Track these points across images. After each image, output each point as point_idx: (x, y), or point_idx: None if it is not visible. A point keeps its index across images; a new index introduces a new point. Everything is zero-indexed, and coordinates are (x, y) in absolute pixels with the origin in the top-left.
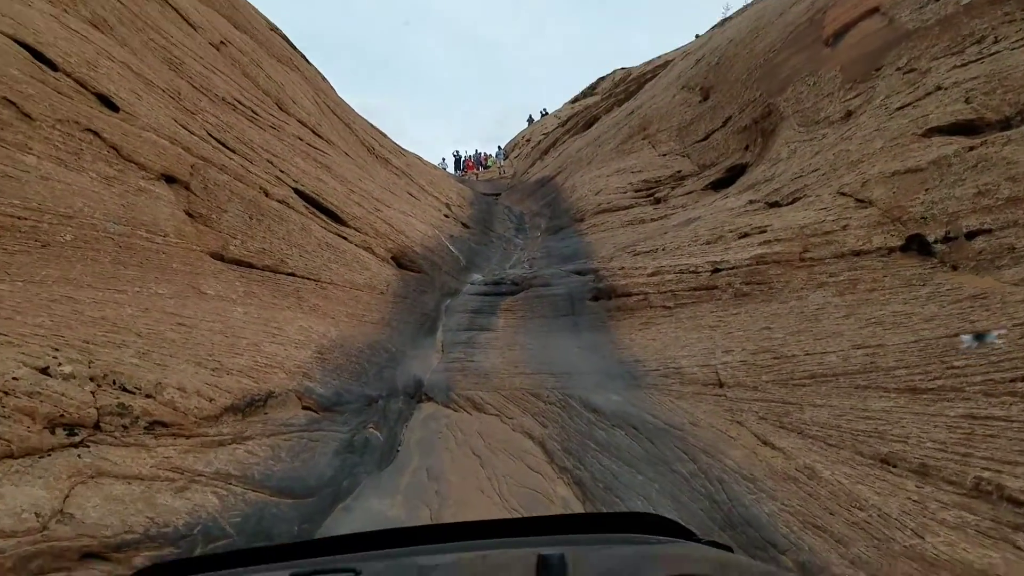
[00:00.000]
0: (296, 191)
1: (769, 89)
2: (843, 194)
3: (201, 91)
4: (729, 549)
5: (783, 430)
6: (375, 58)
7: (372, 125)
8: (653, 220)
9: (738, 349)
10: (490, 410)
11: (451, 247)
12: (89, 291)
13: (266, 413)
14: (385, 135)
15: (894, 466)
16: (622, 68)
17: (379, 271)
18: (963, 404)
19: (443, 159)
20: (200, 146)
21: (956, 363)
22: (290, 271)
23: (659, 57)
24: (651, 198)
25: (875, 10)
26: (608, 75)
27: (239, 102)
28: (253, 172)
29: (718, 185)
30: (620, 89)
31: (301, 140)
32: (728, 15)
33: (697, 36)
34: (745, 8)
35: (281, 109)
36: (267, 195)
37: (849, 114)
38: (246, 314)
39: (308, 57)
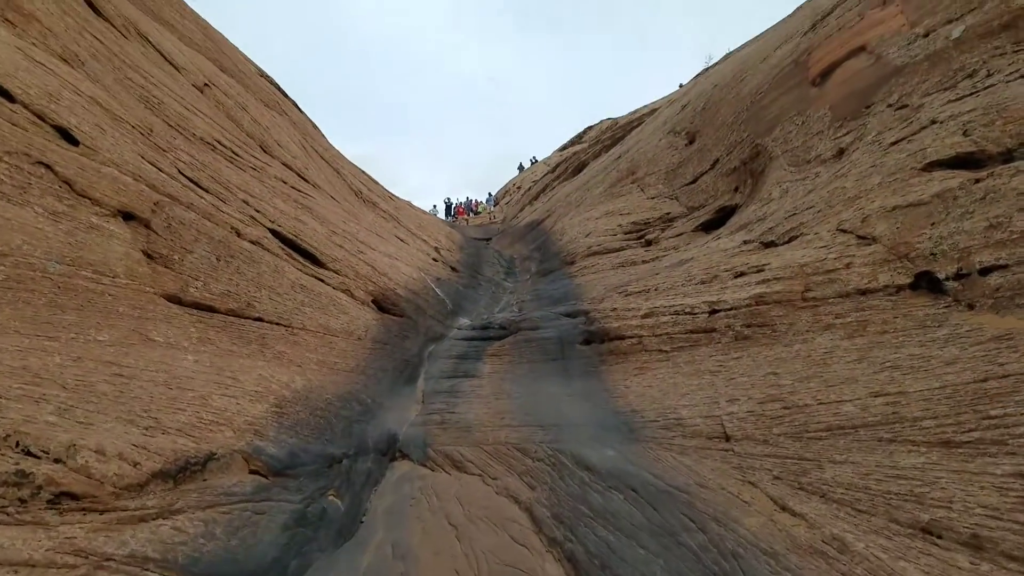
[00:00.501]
0: (272, 232)
1: (757, 130)
2: (843, 231)
3: (177, 130)
4: None
5: (802, 492)
6: (370, 110)
7: (362, 171)
8: (644, 262)
9: (744, 398)
10: (471, 469)
11: (437, 290)
12: (14, 337)
13: (204, 479)
14: (375, 181)
15: (939, 537)
16: (608, 118)
17: (358, 315)
18: (1009, 460)
19: (434, 206)
20: (168, 184)
21: (992, 412)
22: (257, 315)
23: (644, 106)
24: (641, 240)
25: (861, 49)
26: (595, 124)
27: (219, 142)
28: (225, 212)
29: (709, 227)
30: (607, 136)
31: (284, 183)
32: (710, 64)
33: (681, 85)
34: (726, 57)
35: (265, 152)
36: (239, 235)
37: (841, 151)
38: (197, 363)
39: (299, 105)
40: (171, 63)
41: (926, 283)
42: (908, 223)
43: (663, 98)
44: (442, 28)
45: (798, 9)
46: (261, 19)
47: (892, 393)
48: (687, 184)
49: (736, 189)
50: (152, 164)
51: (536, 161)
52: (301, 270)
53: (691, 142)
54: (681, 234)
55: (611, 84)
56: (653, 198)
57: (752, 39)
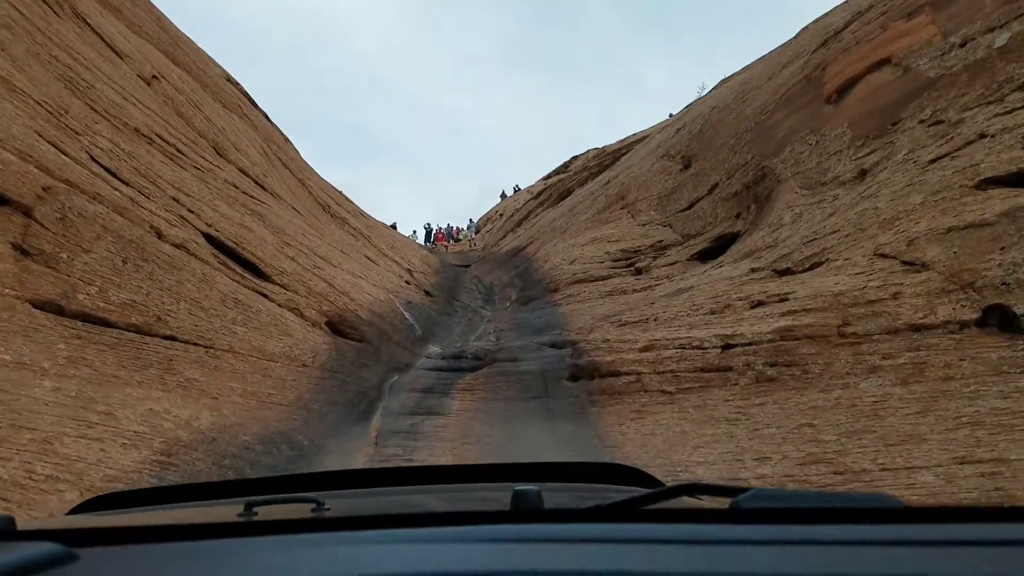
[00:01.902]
0: (207, 236)
1: (762, 152)
2: (883, 255)
3: (105, 116)
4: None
5: None
6: (354, 139)
7: (334, 187)
8: (636, 291)
9: (776, 455)
10: None
11: (407, 314)
12: None
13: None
14: (348, 198)
15: None
16: (595, 148)
17: (305, 337)
18: None
19: (414, 231)
20: (70, 169)
21: None
22: (169, 333)
23: (633, 134)
24: (631, 268)
25: (885, 61)
26: (581, 154)
27: (159, 136)
28: (147, 208)
29: (706, 256)
30: (594, 163)
31: (236, 187)
32: (704, 92)
33: (671, 115)
34: (723, 81)
35: (219, 154)
36: (160, 236)
37: (864, 172)
38: (56, 391)
39: (270, 116)
40: (113, 49)
41: (997, 319)
42: (969, 247)
43: (653, 126)
44: (429, 61)
45: (802, 31)
46: (252, 47)
47: (986, 460)
48: (682, 210)
49: (738, 215)
50: (53, 144)
51: (519, 189)
52: (238, 282)
53: (686, 166)
54: (675, 263)
55: (598, 122)
56: (644, 224)
57: (749, 65)
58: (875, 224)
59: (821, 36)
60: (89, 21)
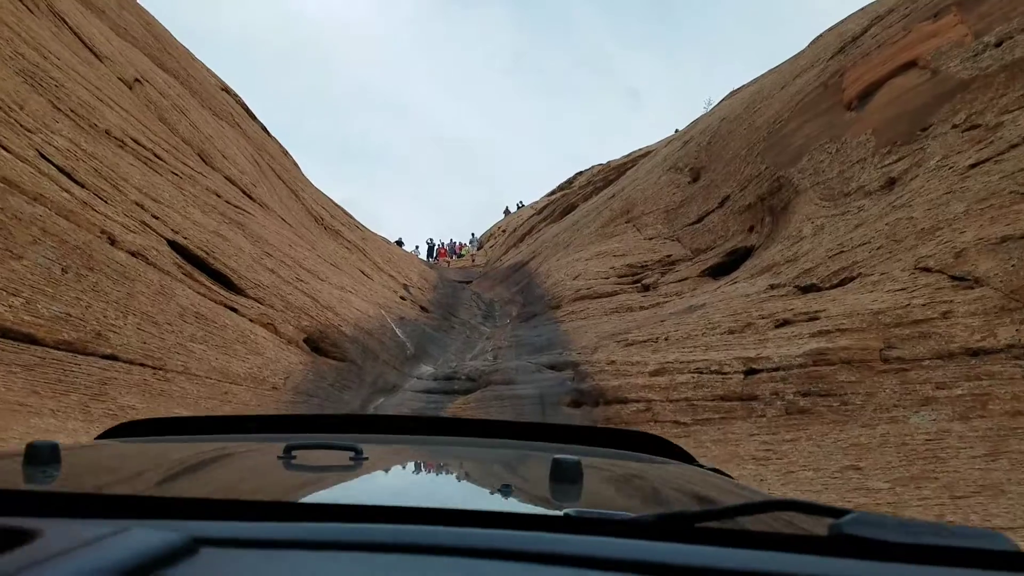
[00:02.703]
0: (172, 244)
1: (777, 162)
2: (926, 269)
3: (69, 115)
4: (730, 476)
5: None
6: (357, 155)
7: (330, 199)
8: (643, 308)
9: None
10: None
11: (398, 331)
12: None
13: None
14: (345, 211)
15: None
16: (600, 163)
17: (277, 356)
18: None
19: (416, 247)
20: (9, 165)
21: None
22: (109, 352)
23: (638, 149)
24: (638, 284)
25: (910, 64)
26: (586, 170)
27: (134, 140)
28: (101, 212)
29: (718, 271)
30: (599, 178)
31: (218, 196)
32: (711, 106)
33: (677, 131)
34: (731, 94)
35: (205, 162)
36: (113, 242)
37: (892, 181)
38: None
39: (284, 141)
40: (91, 50)
41: None
42: None
43: (659, 141)
44: (434, 78)
45: (816, 39)
46: (256, 62)
47: None
48: (691, 224)
49: (751, 229)
50: None
51: (523, 205)
52: (203, 294)
53: (695, 179)
54: (685, 279)
55: (600, 137)
56: (651, 239)
57: (759, 77)
58: (912, 235)
59: (838, 42)
60: (68, 20)
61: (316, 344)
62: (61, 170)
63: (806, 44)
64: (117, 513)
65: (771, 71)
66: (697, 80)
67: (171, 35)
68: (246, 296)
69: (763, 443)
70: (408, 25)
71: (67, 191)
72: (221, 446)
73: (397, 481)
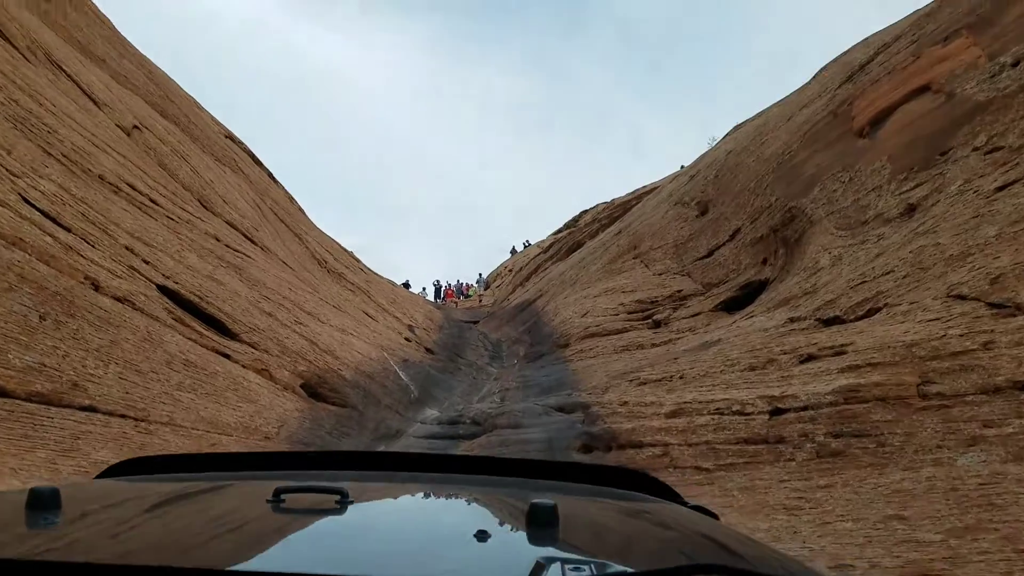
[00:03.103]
0: (163, 289)
1: (789, 192)
2: (960, 297)
3: (60, 160)
4: (716, 517)
5: None
6: (365, 203)
7: (336, 242)
8: (655, 345)
9: (860, 562)
10: None
11: (402, 374)
12: None
13: None
14: (350, 253)
15: None
16: (604, 202)
17: (272, 403)
18: None
19: (423, 288)
20: None
21: None
22: (88, 403)
23: (643, 186)
24: (648, 320)
25: (923, 89)
26: (590, 208)
27: (130, 185)
28: (87, 257)
29: (732, 306)
30: (604, 215)
31: (217, 240)
32: (715, 143)
33: (682, 167)
34: (735, 129)
35: (205, 207)
36: (97, 288)
37: (912, 207)
38: None
39: (291, 188)
40: (90, 97)
41: None
42: None
43: (664, 178)
44: (442, 125)
45: (821, 71)
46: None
47: None
48: (701, 258)
49: (764, 261)
50: None
51: (529, 244)
52: (194, 340)
53: (703, 212)
54: (697, 314)
55: (603, 179)
56: (660, 274)
57: (763, 111)
58: (940, 262)
59: (845, 72)
60: (66, 69)
61: (314, 389)
62: (45, 214)
63: (810, 77)
64: None
65: (776, 104)
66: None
67: (173, 82)
68: (240, 341)
69: (794, 490)
70: (417, 72)
71: (50, 235)
72: (216, 486)
73: (378, 529)
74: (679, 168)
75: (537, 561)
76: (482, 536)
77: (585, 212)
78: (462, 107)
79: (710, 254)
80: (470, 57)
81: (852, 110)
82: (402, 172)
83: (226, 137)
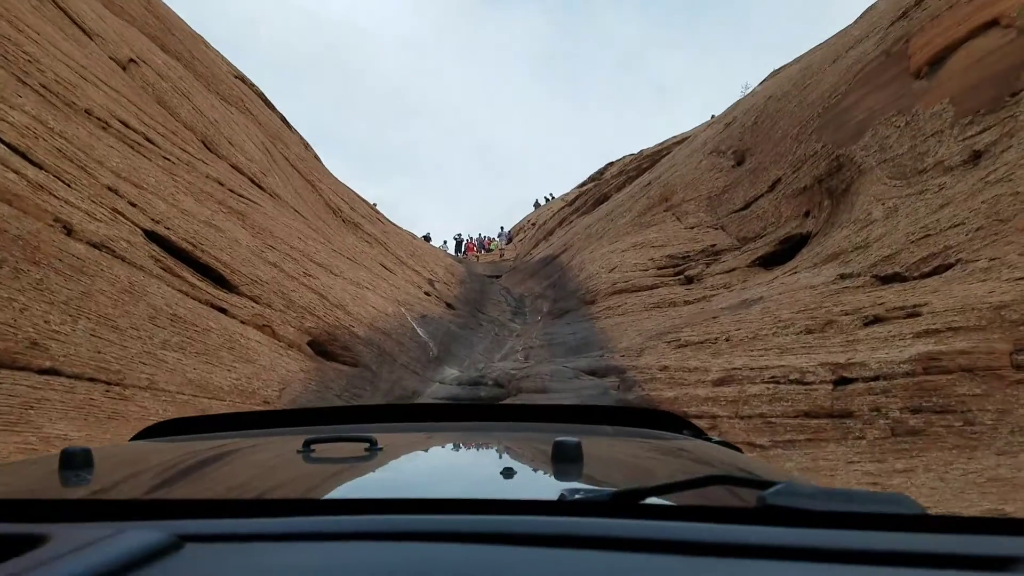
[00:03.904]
0: (150, 234)
1: (836, 139)
2: None
3: (37, 90)
4: (739, 450)
5: None
6: (389, 155)
7: (352, 190)
8: (687, 302)
9: None
10: None
11: (420, 330)
12: None
13: None
14: (368, 202)
15: None
16: (630, 154)
17: (273, 363)
18: None
19: (444, 242)
20: None
21: None
22: (49, 365)
23: (672, 137)
24: (680, 276)
25: (991, 24)
26: (616, 160)
27: (122, 122)
28: (60, 197)
29: (770, 261)
30: (632, 166)
31: (221, 184)
32: (748, 90)
33: (713, 116)
34: (773, 74)
35: (208, 148)
36: (69, 232)
37: (977, 154)
38: None
39: (312, 140)
40: (80, 27)
41: None
42: None
43: (695, 127)
44: (464, 78)
45: (869, 9)
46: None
47: None
48: (737, 211)
49: (807, 213)
50: None
51: (553, 198)
52: (184, 292)
53: (740, 162)
54: (733, 269)
55: (627, 132)
56: (692, 227)
57: (803, 55)
58: (1021, 213)
59: (898, 7)
60: None
61: (323, 347)
62: (12, 148)
63: (857, 15)
64: (118, 516)
65: (819, 46)
66: (725, 72)
67: (175, 15)
68: (239, 294)
69: (866, 473)
70: (437, 27)
71: (15, 171)
72: (247, 442)
73: (406, 471)
74: (710, 118)
75: (562, 492)
76: (508, 473)
77: (611, 164)
78: (485, 57)
79: (747, 206)
80: (493, 3)
81: (908, 48)
82: (424, 124)
83: (235, 77)
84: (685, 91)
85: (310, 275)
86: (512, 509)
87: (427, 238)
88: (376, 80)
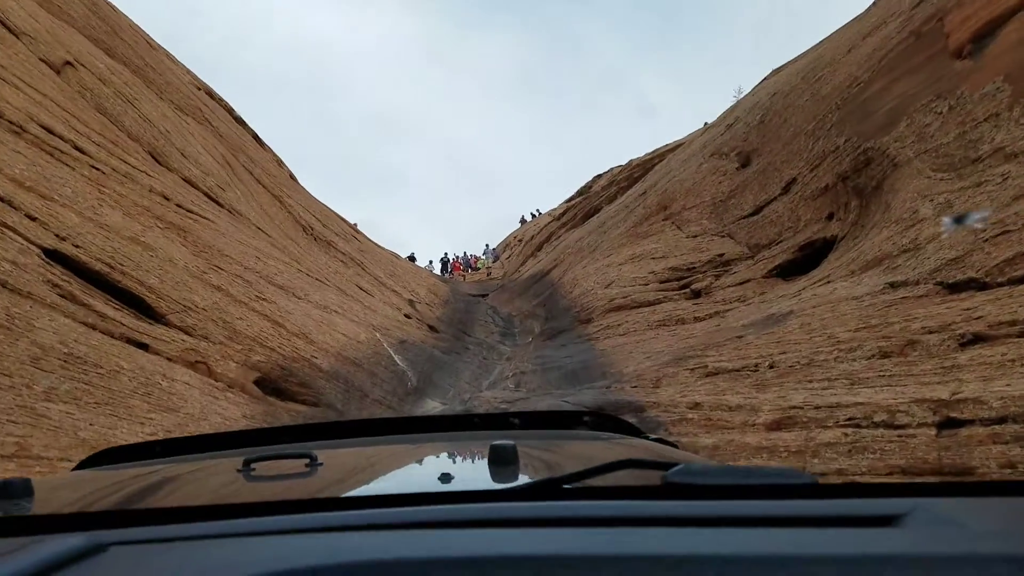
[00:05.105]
0: (50, 252)
1: (862, 131)
2: None
3: None
4: (675, 445)
5: None
6: (369, 178)
7: (327, 207)
8: (698, 319)
9: None
10: None
11: (397, 358)
12: None
13: None
14: (344, 220)
15: None
16: (619, 165)
17: (205, 409)
18: None
19: (430, 262)
20: None
21: None
22: None
23: (665, 144)
24: (686, 290)
25: None
26: (605, 172)
27: (46, 128)
28: None
29: (788, 271)
30: (623, 176)
31: (166, 199)
32: (742, 95)
33: (707, 124)
34: (775, 72)
35: (156, 160)
36: None
37: None
38: None
39: (293, 163)
40: (5, 25)
41: None
42: None
43: (690, 133)
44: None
45: None
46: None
47: None
48: (746, 216)
49: (830, 216)
50: None
51: (540, 213)
52: (91, 324)
53: (745, 164)
54: (747, 281)
55: (620, 151)
56: (695, 236)
57: (808, 50)
58: None
59: None
60: None
61: (275, 385)
62: None
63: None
64: (48, 530)
65: (824, 41)
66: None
67: (123, 16)
68: (167, 324)
69: None
70: (419, 47)
71: None
72: (189, 466)
73: (346, 482)
74: (703, 125)
75: (495, 490)
76: (446, 478)
77: (599, 177)
78: (465, 75)
79: (757, 211)
80: (471, 22)
81: (944, 26)
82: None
83: (197, 88)
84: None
85: (264, 299)
86: (446, 500)
87: (412, 258)
88: (359, 101)
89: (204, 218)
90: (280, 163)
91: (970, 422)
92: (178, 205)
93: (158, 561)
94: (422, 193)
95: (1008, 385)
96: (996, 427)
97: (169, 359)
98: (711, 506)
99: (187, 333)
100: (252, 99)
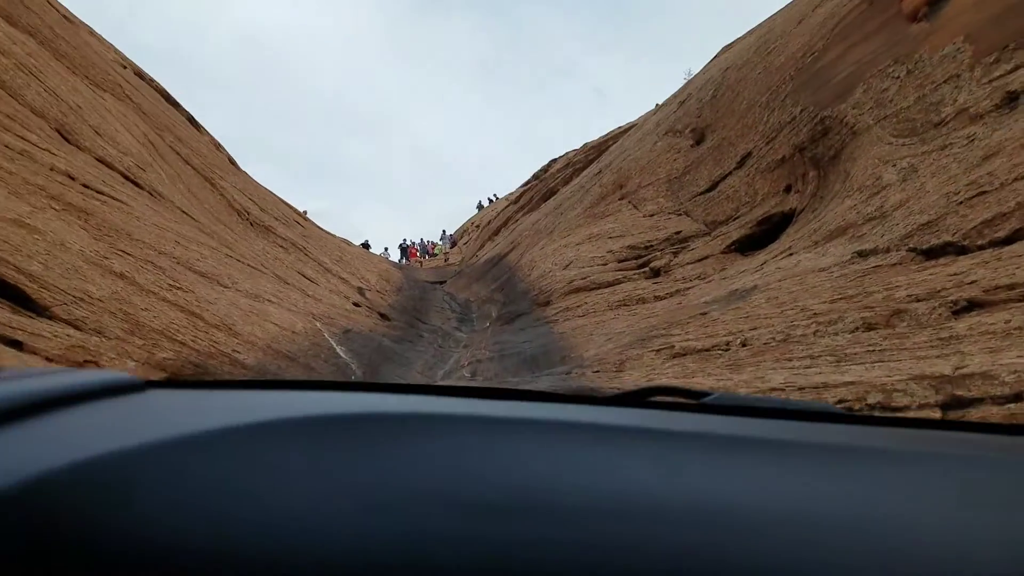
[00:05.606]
0: None
1: (818, 100)
2: None
3: None
4: None
5: None
6: (328, 169)
7: (269, 191)
8: (658, 298)
9: None
10: None
11: (339, 349)
12: None
13: None
14: (288, 204)
15: None
16: (574, 149)
17: None
18: None
19: (385, 248)
20: None
21: None
22: None
23: (618, 127)
24: (646, 269)
25: None
26: (561, 156)
27: None
28: None
29: (747, 245)
30: (579, 158)
31: (71, 178)
32: (693, 75)
33: (658, 105)
34: (725, 48)
35: (65, 138)
36: None
37: (1012, 96)
38: None
39: (243, 153)
40: None
41: None
42: None
43: (643, 115)
44: (402, 87)
45: None
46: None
47: None
48: (701, 193)
49: (788, 188)
50: None
51: (497, 198)
52: None
53: (699, 141)
54: (705, 257)
55: (566, 134)
56: (652, 215)
57: (756, 26)
58: None
59: None
60: None
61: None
62: None
63: None
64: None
65: (774, 15)
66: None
67: None
68: (50, 318)
69: None
70: (375, 37)
71: None
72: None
73: None
74: (655, 106)
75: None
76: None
77: (555, 160)
78: (420, 64)
79: (713, 187)
80: (426, 8)
81: None
82: (361, 134)
83: (123, 66)
84: (624, 91)
85: (179, 287)
86: (529, 397)
87: (366, 245)
88: (308, 90)
89: (116, 200)
90: (218, 146)
91: (979, 401)
92: (84, 185)
93: (196, 399)
94: (381, 182)
95: (1020, 356)
96: (1012, 405)
97: (48, 359)
98: (743, 423)
99: (75, 327)
100: (209, 89)
